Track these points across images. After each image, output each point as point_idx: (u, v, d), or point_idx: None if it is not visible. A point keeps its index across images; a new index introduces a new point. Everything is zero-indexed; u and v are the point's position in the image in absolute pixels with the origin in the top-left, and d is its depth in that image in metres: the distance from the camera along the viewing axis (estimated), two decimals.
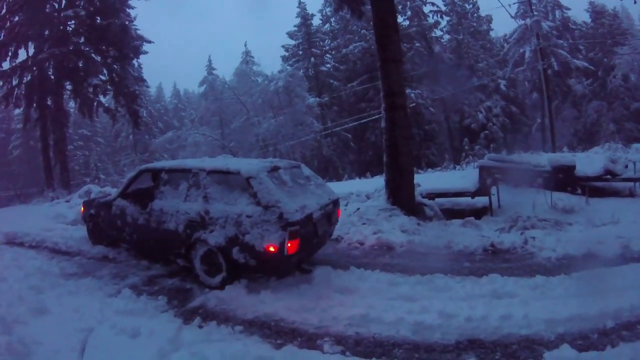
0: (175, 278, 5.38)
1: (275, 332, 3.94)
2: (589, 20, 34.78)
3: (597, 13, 34.10)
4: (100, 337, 3.58)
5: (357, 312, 4.08)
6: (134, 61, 22.03)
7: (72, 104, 23.42)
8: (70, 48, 18.92)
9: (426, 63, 30.80)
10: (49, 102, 19.36)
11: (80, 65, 19.39)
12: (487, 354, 3.46)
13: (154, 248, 5.70)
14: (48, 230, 7.99)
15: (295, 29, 33.94)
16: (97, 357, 3.32)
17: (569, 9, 32.58)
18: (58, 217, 9.35)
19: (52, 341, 3.48)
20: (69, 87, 20.18)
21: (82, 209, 7.28)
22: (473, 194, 8.67)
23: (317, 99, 29.77)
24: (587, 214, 7.45)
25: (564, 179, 9.07)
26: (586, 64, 29.55)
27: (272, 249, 4.53)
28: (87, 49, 19.71)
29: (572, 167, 9.27)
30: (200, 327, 3.97)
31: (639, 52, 28.80)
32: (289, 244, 4.52)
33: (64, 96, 20.64)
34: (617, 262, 5.26)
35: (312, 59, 33.17)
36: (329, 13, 35.29)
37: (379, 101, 9.15)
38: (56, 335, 3.60)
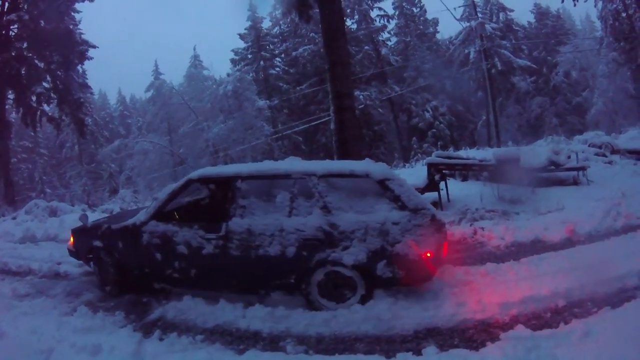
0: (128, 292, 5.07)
1: (237, 337, 3.87)
2: (533, 20, 36.62)
3: (541, 14, 36.29)
4: (61, 358, 3.44)
5: None
6: (79, 67, 21.15)
7: (13, 114, 22.12)
8: (13, 54, 17.82)
9: (374, 65, 31.30)
10: None
11: (23, 72, 18.32)
12: (446, 339, 3.51)
13: (237, 284, 4.52)
14: None
15: (246, 31, 33.61)
16: None
17: (512, 10, 34.17)
18: (5, 235, 8.78)
19: None
20: (10, 96, 19.02)
21: (72, 240, 5.52)
22: (423, 190, 8.77)
23: (267, 102, 29.60)
24: (533, 203, 7.71)
25: (509, 171, 9.38)
26: (529, 63, 31.16)
27: (429, 254, 4.07)
28: (30, 54, 18.66)
29: (516, 160, 9.59)
30: (161, 339, 3.83)
31: (580, 50, 30.49)
32: (445, 245, 4.28)
33: (6, 106, 19.41)
34: (564, 246, 5.52)
35: (262, 62, 32.96)
36: (278, 16, 35.19)
37: (329, 103, 9.20)
38: (16, 359, 3.46)
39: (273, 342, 3.74)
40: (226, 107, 28.40)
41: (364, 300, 4.12)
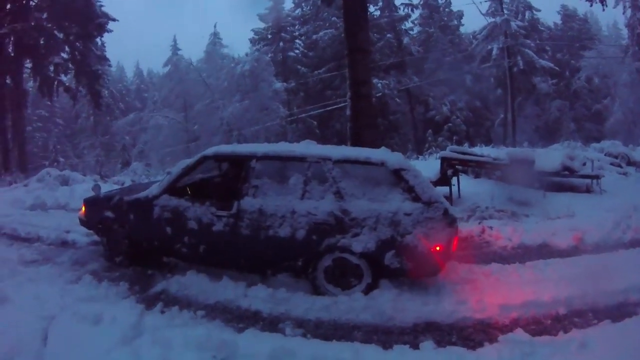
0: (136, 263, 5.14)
1: (237, 316, 3.91)
2: (559, 22, 35.83)
3: (567, 16, 35.52)
4: (62, 325, 3.49)
5: None
6: (98, 39, 21.21)
7: (30, 83, 22.34)
8: (32, 24, 17.93)
9: (394, 54, 30.97)
10: (7, 81, 18.31)
11: (42, 42, 18.45)
12: (444, 336, 3.52)
13: (245, 263, 4.54)
14: (6, 216, 7.60)
15: (267, 11, 33.34)
16: (59, 345, 3.22)
17: (539, 10, 33.56)
18: (16, 202, 8.92)
19: (13, 330, 3.37)
20: (28, 65, 19.17)
21: (84, 209, 5.49)
22: (434, 184, 8.72)
23: (284, 84, 29.44)
24: (544, 207, 7.65)
25: (522, 173, 9.28)
26: (551, 64, 30.52)
27: (438, 247, 4.07)
28: (50, 25, 18.77)
29: (531, 162, 9.48)
30: (162, 312, 3.87)
31: (604, 57, 29.84)
32: (455, 241, 4.29)
33: (23, 75, 19.59)
34: (570, 253, 5.48)
35: (281, 44, 32.74)
36: None
37: (346, 89, 9.13)
38: (18, 324, 3.47)
39: (272, 323, 3.78)
40: (242, 87, 28.33)
41: (369, 289, 4.14)
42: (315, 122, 30.52)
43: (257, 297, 4.17)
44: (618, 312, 3.71)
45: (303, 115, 29.62)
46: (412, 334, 3.57)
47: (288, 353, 3.10)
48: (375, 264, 4.12)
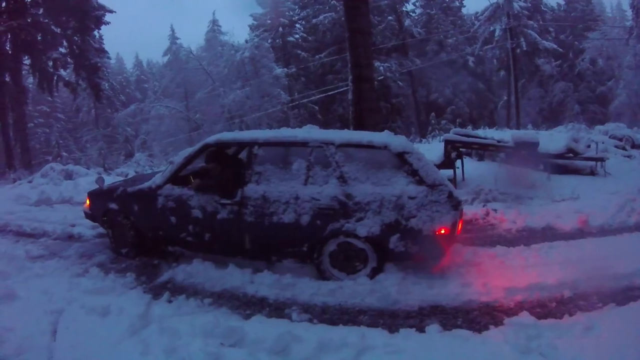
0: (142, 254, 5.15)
1: (244, 303, 3.93)
2: (562, 2, 35.30)
3: None
4: (71, 318, 3.51)
5: None
6: (95, 32, 21.10)
7: (30, 79, 22.29)
8: (29, 20, 17.85)
9: (396, 36, 30.67)
10: (6, 79, 18.30)
11: (39, 38, 18.38)
12: (449, 319, 3.53)
13: (250, 249, 4.50)
14: (11, 213, 7.60)
15: None
16: (68, 338, 3.25)
17: None
18: (20, 198, 8.92)
19: (23, 326, 3.38)
20: (26, 61, 19.12)
21: (88, 202, 5.47)
22: (438, 167, 8.71)
23: (285, 69, 29.27)
24: (548, 190, 7.61)
25: (526, 155, 9.24)
26: (555, 46, 30.23)
27: (443, 231, 4.06)
28: (46, 20, 18.68)
29: (535, 144, 9.44)
30: (169, 301, 3.90)
31: (608, 38, 29.45)
32: (460, 224, 4.27)
33: (22, 71, 19.55)
34: (575, 236, 5.45)
35: (280, 29, 32.46)
36: None
37: (347, 73, 9.04)
38: (27, 319, 3.49)
39: (279, 309, 3.79)
40: (243, 74, 28.22)
41: (374, 273, 4.15)
42: (317, 107, 30.39)
43: (263, 283, 4.19)
44: (623, 295, 3.70)
45: (305, 100, 29.50)
46: (418, 318, 3.58)
47: (295, 338, 3.11)
48: (380, 248, 4.13)
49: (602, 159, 9.29)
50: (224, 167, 4.77)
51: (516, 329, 3.21)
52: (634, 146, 12.17)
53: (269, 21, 33.00)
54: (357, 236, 4.11)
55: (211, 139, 4.89)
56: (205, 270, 4.49)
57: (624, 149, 11.71)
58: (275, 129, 5.17)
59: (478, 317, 3.53)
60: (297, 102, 29.45)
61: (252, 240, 4.44)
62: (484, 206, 6.75)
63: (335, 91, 27.13)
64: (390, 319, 3.59)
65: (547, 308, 3.63)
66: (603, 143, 11.16)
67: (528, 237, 5.47)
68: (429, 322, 3.42)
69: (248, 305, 3.90)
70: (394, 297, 3.83)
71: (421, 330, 3.33)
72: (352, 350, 3.00)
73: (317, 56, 30.67)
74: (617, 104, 27.96)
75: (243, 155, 4.83)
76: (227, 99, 27.51)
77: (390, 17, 31.45)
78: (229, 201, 4.43)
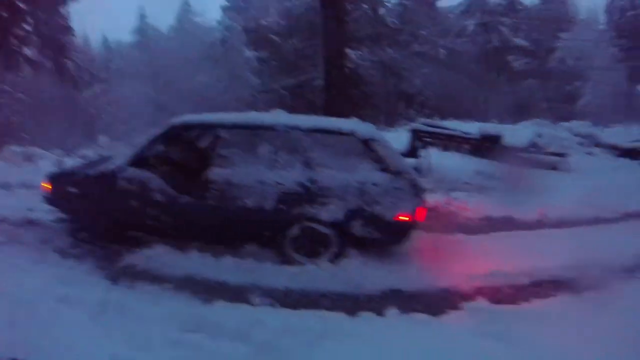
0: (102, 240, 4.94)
1: (205, 288, 3.86)
2: (537, 1, 36.01)
3: None
4: (29, 307, 3.34)
5: None
6: (62, 9, 20.22)
7: None
8: None
9: (369, 25, 30.64)
10: None
11: (3, 14, 17.44)
12: (409, 303, 3.59)
13: (212, 234, 4.44)
14: None
15: None
16: (28, 326, 3.11)
17: None
18: None
19: None
20: None
21: (47, 186, 5.03)
22: (404, 156, 8.87)
23: (256, 53, 28.85)
24: (510, 182, 7.82)
25: (491, 148, 9.50)
26: (526, 43, 30.84)
27: (405, 218, 4.14)
28: None
29: (499, 137, 9.71)
30: (129, 287, 3.81)
31: (580, 39, 30.26)
32: (422, 211, 4.29)
33: None
34: (534, 227, 5.68)
35: (253, 12, 31.92)
36: None
37: (319, 59, 9.03)
38: None
39: (240, 294, 3.75)
40: (213, 56, 27.70)
41: (336, 257, 4.19)
42: (287, 93, 30.10)
43: (225, 268, 4.13)
44: (578, 285, 3.83)
45: (274, 85, 29.18)
46: (378, 302, 3.62)
47: (257, 323, 3.09)
48: (343, 233, 4.17)
49: (564, 155, 9.66)
50: (188, 150, 4.67)
51: (473, 313, 3.32)
52: (597, 144, 12.62)
53: (241, 3, 32.40)
54: (320, 221, 4.14)
55: (177, 120, 4.75)
56: (167, 255, 4.38)
57: (586, 146, 12.17)
58: (242, 113, 5.11)
59: (437, 302, 3.61)
60: (266, 87, 29.11)
61: (215, 224, 4.39)
62: (447, 195, 6.88)
63: (306, 77, 26.94)
64: (351, 303, 3.61)
65: (504, 294, 3.75)
66: (567, 140, 11.61)
67: (488, 226, 5.65)
68: (389, 306, 3.46)
69: (209, 290, 3.83)
70: (355, 281, 3.88)
71: (381, 314, 3.38)
72: (313, 333, 3.00)
73: (289, 41, 30.32)
74: (583, 103, 28.86)
75: (209, 137, 4.71)
76: (195, 81, 26.99)
77: (365, 5, 31.36)
78: (192, 185, 4.35)
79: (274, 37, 31.22)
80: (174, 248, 4.46)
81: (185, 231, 4.52)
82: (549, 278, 4.02)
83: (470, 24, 30.14)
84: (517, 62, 31.15)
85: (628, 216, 6.41)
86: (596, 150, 12.06)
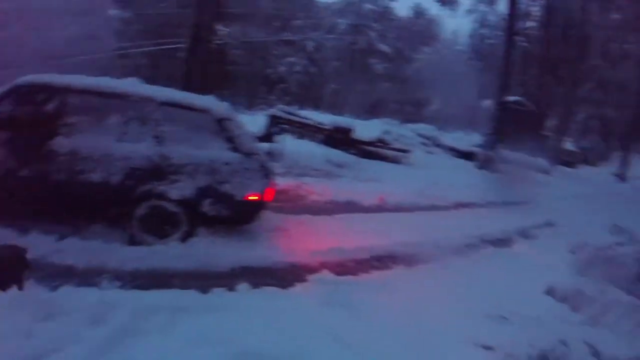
0: None
1: (50, 273, 3.49)
2: (411, 15, 39.47)
3: (418, 13, 39.46)
4: None
5: None
6: None
7: None
8: None
9: (244, 4, 30.12)
10: None
11: None
12: (258, 278, 3.76)
13: (55, 213, 3.98)
14: None
15: None
16: None
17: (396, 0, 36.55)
18: None
19: None
20: None
21: None
22: (259, 139, 9.13)
23: (120, 12, 26.38)
24: (356, 171, 8.63)
25: (342, 139, 10.32)
26: (389, 50, 33.53)
27: (254, 197, 4.16)
28: None
29: (350, 130, 10.58)
30: None
31: (439, 54, 34.87)
32: (270, 192, 4.31)
33: None
34: (374, 210, 6.48)
35: None
36: None
37: (186, 31, 8.75)
38: None
39: (88, 277, 3.49)
40: (70, 10, 24.61)
41: (186, 236, 4.15)
42: (146, 60, 28.19)
43: (70, 250, 3.80)
44: (412, 260, 4.59)
45: (135, 50, 27.06)
46: (229, 278, 3.72)
47: (107, 305, 2.94)
48: (193, 211, 4.13)
49: (406, 151, 10.94)
50: (33, 115, 4.15)
51: (318, 284, 3.70)
52: (437, 145, 14.46)
53: None
54: (169, 199, 4.04)
55: (23, 80, 4.20)
56: (4, 237, 3.72)
57: (427, 146, 13.89)
58: (95, 77, 4.57)
59: (284, 276, 3.90)
60: (126, 51, 26.85)
61: (58, 201, 4.01)
62: (296, 179, 7.38)
63: (170, 47, 25.49)
64: (202, 281, 3.62)
65: (346, 267, 4.23)
66: (410, 138, 13.14)
67: (332, 208, 6.26)
68: (240, 282, 3.58)
69: (55, 275, 3.48)
70: (205, 260, 3.94)
71: (232, 289, 3.48)
72: (166, 312, 2.97)
73: (159, 4, 28.36)
74: (432, 109, 33.00)
75: (56, 102, 4.20)
76: (45, 36, 23.73)
77: None
78: (33, 154, 3.91)
79: None
80: (13, 229, 3.89)
81: (25, 208, 4.04)
82: (387, 254, 4.66)
83: (343, 23, 32.06)
84: (379, 66, 33.83)
85: (459, 205, 7.79)
86: (437, 150, 13.81)
